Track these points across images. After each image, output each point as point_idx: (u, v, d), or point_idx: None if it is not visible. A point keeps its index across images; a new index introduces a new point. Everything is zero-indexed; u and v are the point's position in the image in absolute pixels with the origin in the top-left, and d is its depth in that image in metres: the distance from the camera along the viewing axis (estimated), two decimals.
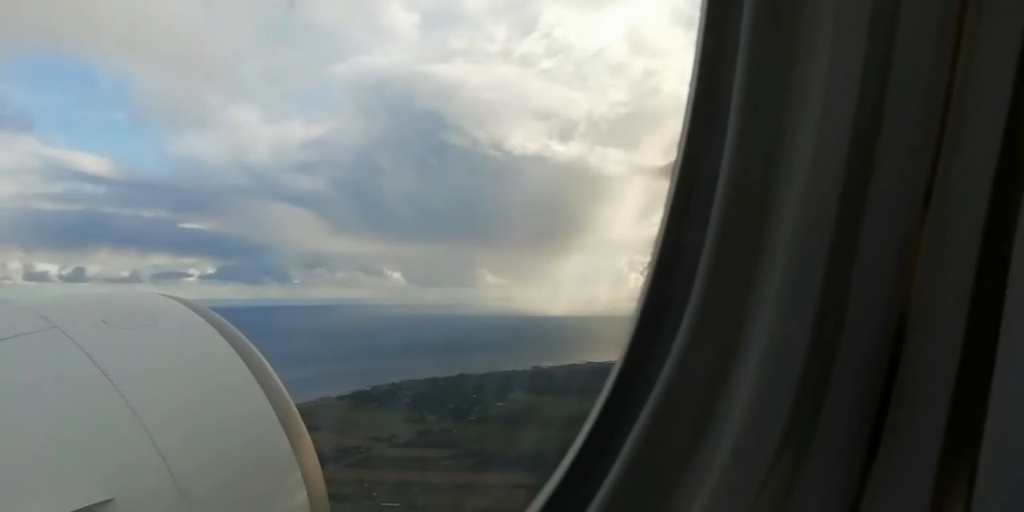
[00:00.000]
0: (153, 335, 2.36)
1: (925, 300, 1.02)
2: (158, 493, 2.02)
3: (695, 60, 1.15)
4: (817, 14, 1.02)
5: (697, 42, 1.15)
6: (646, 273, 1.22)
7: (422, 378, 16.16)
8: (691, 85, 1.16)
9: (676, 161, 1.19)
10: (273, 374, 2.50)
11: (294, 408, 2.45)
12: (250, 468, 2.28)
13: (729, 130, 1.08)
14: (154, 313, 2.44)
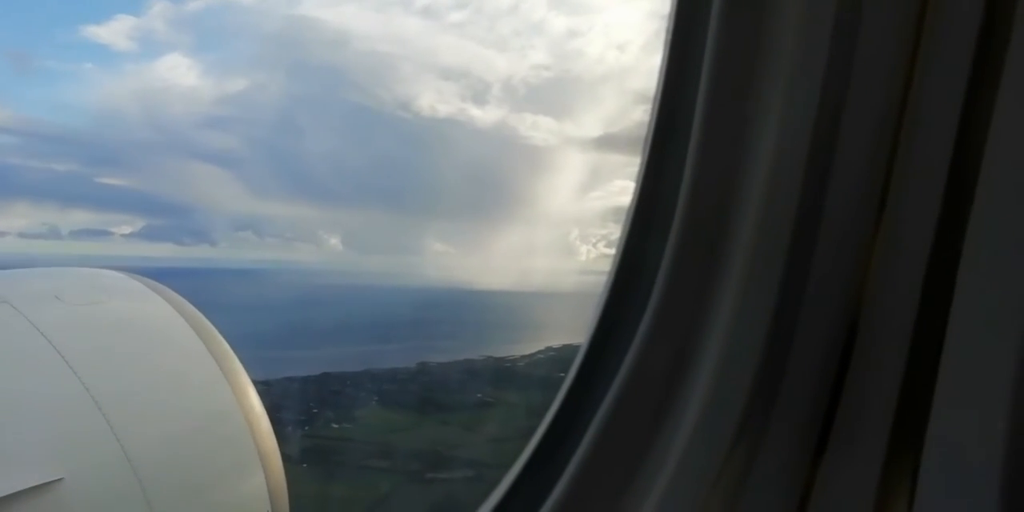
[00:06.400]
0: (107, 311, 2.31)
1: (876, 303, 1.06)
2: (110, 472, 1.99)
3: (659, 77, 1.18)
4: (778, 32, 1.05)
5: (662, 60, 1.18)
6: (607, 278, 1.25)
7: (275, 378, 12.08)
8: (655, 98, 1.19)
9: (641, 163, 1.22)
10: (230, 350, 2.47)
11: (251, 386, 2.44)
12: (205, 447, 2.26)
13: (692, 139, 1.11)
14: (108, 289, 2.39)
